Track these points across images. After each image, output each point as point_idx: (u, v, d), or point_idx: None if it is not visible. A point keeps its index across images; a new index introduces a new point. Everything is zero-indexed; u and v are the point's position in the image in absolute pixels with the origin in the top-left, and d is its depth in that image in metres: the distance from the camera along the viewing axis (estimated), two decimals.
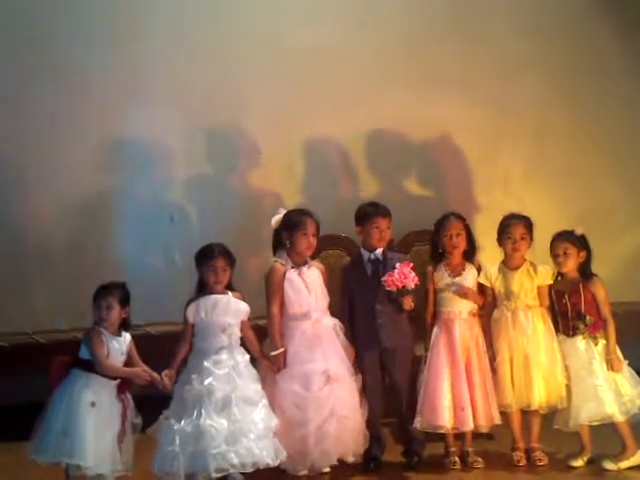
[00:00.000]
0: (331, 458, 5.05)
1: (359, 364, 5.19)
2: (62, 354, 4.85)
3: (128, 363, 4.86)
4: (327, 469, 5.08)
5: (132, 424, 4.83)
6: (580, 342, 5.02)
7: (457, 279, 5.20)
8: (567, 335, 5.07)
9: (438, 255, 5.28)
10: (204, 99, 6.22)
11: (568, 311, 5.06)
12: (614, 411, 4.89)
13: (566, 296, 5.06)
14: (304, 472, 5.04)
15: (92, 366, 4.74)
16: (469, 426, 5.02)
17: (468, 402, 5.02)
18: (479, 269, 5.25)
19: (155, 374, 4.89)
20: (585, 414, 4.92)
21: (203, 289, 5.07)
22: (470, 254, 5.26)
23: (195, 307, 5.02)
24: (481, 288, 5.23)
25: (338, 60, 6.28)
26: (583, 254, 5.08)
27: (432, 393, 5.07)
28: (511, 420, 5.13)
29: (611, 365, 4.97)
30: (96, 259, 6.08)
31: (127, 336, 4.88)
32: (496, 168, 6.40)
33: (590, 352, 5.00)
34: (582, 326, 5.01)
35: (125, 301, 4.84)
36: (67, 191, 6.19)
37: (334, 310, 5.26)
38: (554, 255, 5.08)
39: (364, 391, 5.16)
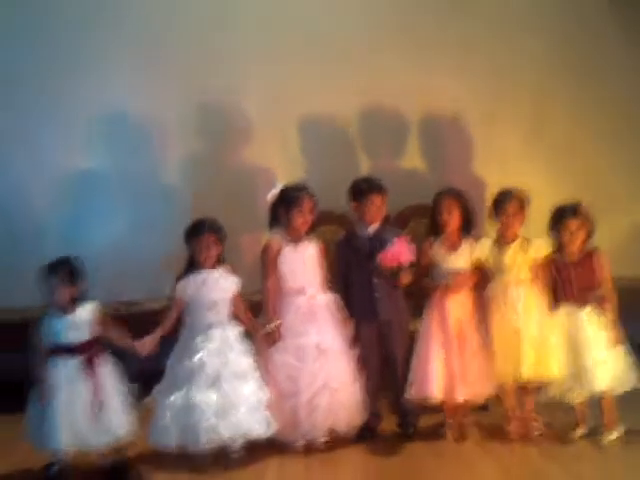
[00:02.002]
0: (322, 430, 5.09)
1: (356, 338, 5.22)
2: None
3: (101, 333, 4.86)
4: (324, 439, 5.11)
5: (127, 391, 4.87)
6: (585, 315, 5.05)
7: (453, 254, 5.23)
8: (572, 308, 5.09)
9: (436, 230, 5.30)
10: (198, 75, 6.20)
11: (573, 283, 5.09)
12: (612, 385, 4.94)
13: (573, 268, 5.09)
14: (301, 443, 5.08)
15: (55, 349, 4.78)
16: (460, 397, 5.06)
17: (460, 374, 5.05)
18: (475, 243, 5.27)
19: (129, 341, 4.90)
20: (589, 386, 4.95)
21: (192, 265, 5.09)
22: (466, 229, 5.28)
23: (185, 283, 5.05)
24: (476, 263, 5.25)
25: (332, 33, 6.25)
26: (589, 228, 5.11)
27: (423, 364, 5.10)
28: (505, 392, 5.17)
29: (611, 339, 5.01)
30: (90, 236, 6.07)
31: (87, 308, 4.85)
32: (494, 139, 6.36)
33: (594, 325, 5.03)
34: (590, 299, 5.04)
35: (77, 277, 4.83)
36: (60, 169, 6.18)
37: (330, 285, 5.28)
38: (567, 231, 5.08)
39: (360, 364, 5.19)
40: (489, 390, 5.11)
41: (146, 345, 4.93)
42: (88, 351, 4.81)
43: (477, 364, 5.09)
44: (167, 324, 5.05)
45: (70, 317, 4.80)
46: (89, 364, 4.78)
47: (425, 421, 5.29)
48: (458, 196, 5.26)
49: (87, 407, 4.71)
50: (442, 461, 4.80)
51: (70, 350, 4.79)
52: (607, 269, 5.11)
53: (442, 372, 5.07)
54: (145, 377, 4.93)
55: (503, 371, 5.08)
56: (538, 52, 6.34)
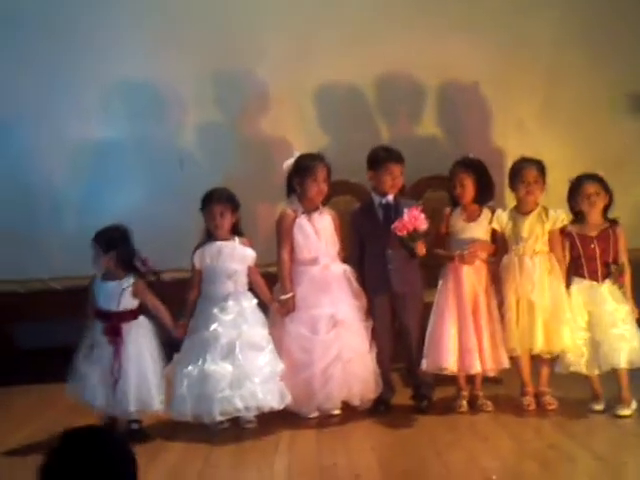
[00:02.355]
0: (336, 401, 5.10)
1: (369, 309, 5.20)
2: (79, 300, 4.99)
3: (137, 304, 4.96)
4: (337, 412, 5.13)
5: (154, 365, 4.92)
6: (605, 288, 5.01)
7: (472, 224, 5.18)
8: (594, 281, 5.04)
9: (454, 201, 5.26)
10: (214, 43, 6.14)
11: (597, 256, 5.04)
12: (630, 359, 4.90)
13: (595, 241, 5.04)
14: (314, 414, 5.10)
15: (96, 312, 4.92)
16: (475, 369, 5.05)
17: (474, 345, 5.02)
18: (494, 214, 5.22)
19: (170, 320, 4.98)
20: (607, 360, 4.91)
21: (209, 235, 5.09)
22: (482, 200, 5.22)
23: (201, 253, 5.07)
24: (493, 233, 5.21)
25: (348, 2, 6.20)
26: (607, 197, 5.05)
27: (438, 335, 5.08)
28: (520, 365, 5.14)
29: (629, 313, 4.96)
30: (107, 207, 6.04)
31: (130, 279, 4.93)
32: (510, 108, 6.29)
33: (615, 299, 4.99)
34: (614, 272, 4.99)
35: (111, 246, 4.90)
36: (77, 139, 6.16)
37: (345, 256, 5.26)
38: (585, 196, 5.02)
39: (373, 336, 5.18)
40: (503, 362, 5.09)
41: (181, 328, 4.99)
42: (115, 321, 4.87)
43: (492, 336, 5.06)
44: (191, 296, 5.09)
45: (110, 285, 4.90)
46: (114, 332, 4.85)
47: (439, 394, 5.28)
48: (472, 167, 5.19)
49: (108, 373, 4.80)
50: (456, 434, 4.78)
51: (103, 316, 4.89)
52: (625, 241, 5.06)
53: (456, 344, 5.05)
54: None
55: (516, 342, 5.05)
56: (554, 21, 6.25)
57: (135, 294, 4.93)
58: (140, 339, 4.93)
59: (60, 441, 2.16)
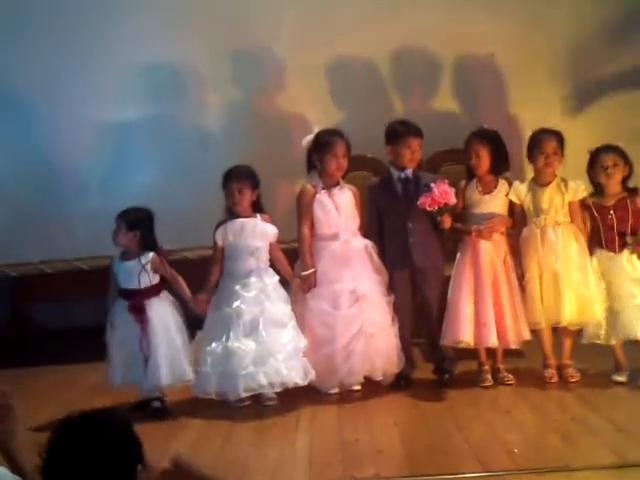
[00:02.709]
0: (358, 376, 5.09)
1: (389, 284, 5.18)
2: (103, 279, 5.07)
3: (162, 281, 5.01)
4: (357, 387, 5.12)
5: (181, 338, 4.98)
6: (625, 258, 4.96)
7: (487, 196, 5.15)
8: (612, 251, 5.00)
9: (470, 173, 5.22)
10: (230, 21, 6.09)
11: (614, 226, 4.98)
12: None
13: (612, 211, 4.99)
14: (335, 390, 5.09)
15: (119, 292, 4.98)
16: (492, 342, 5.02)
17: (492, 318, 4.99)
18: (510, 186, 5.18)
19: (189, 293, 5.01)
20: (625, 330, 4.88)
21: (231, 213, 5.08)
22: (497, 171, 5.17)
23: (223, 230, 5.07)
24: (511, 205, 5.16)
25: None
26: (627, 168, 4.99)
27: (455, 308, 5.06)
28: (542, 337, 5.11)
29: None
30: (130, 186, 6.05)
31: (148, 255, 4.96)
32: (526, 82, 6.18)
33: (633, 269, 4.95)
34: (631, 242, 4.94)
35: (135, 225, 4.95)
36: (98, 120, 6.13)
37: (364, 230, 5.24)
38: (602, 167, 4.97)
39: (394, 310, 5.16)
40: (524, 335, 5.05)
41: (201, 302, 5.01)
42: (138, 298, 4.91)
43: (511, 309, 5.03)
44: (214, 273, 5.10)
45: (129, 264, 4.94)
46: (137, 309, 4.89)
47: (460, 368, 5.26)
48: (487, 137, 5.15)
49: (135, 350, 4.85)
50: (477, 408, 4.76)
51: (126, 295, 4.94)
52: None
53: (473, 317, 5.02)
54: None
55: (540, 315, 5.02)
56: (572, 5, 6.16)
57: (155, 269, 4.97)
58: (165, 313, 4.98)
59: (57, 430, 2.14)
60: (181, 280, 5.03)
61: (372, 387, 5.12)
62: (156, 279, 5.00)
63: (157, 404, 4.96)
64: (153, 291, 5.00)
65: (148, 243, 4.98)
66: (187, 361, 4.97)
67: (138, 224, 4.95)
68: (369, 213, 5.28)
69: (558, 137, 5.07)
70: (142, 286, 4.95)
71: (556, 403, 4.79)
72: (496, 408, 4.75)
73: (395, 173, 5.20)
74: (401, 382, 5.16)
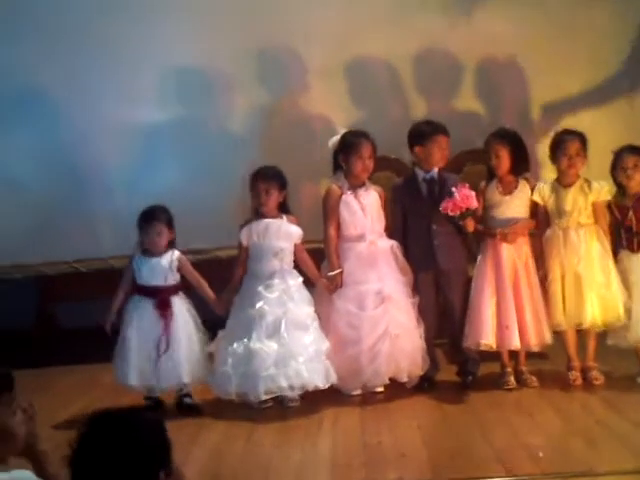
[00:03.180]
0: (383, 377, 5.07)
1: (413, 286, 5.17)
2: None
3: (184, 281, 5.04)
4: (380, 389, 5.10)
5: (200, 337, 5.02)
6: None
7: (508, 197, 5.12)
8: (631, 251, 4.97)
9: (490, 174, 5.20)
10: (258, 25, 6.09)
11: (633, 226, 4.96)
12: None
13: (630, 211, 4.95)
14: (357, 392, 5.09)
15: (136, 288, 5.00)
16: (514, 345, 4.99)
17: (514, 320, 4.96)
18: (534, 188, 5.14)
19: (212, 294, 5.02)
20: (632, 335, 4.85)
21: (257, 213, 5.10)
22: (517, 171, 5.13)
23: (248, 231, 5.08)
24: (534, 206, 5.13)
25: None
26: None
27: (476, 311, 5.04)
28: (565, 339, 5.08)
29: None
30: (156, 186, 6.06)
31: (174, 254, 5.00)
32: (547, 82, 6.15)
33: None
34: None
35: (171, 224, 5.01)
36: (125, 120, 6.14)
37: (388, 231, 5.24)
38: (622, 168, 4.95)
39: (419, 312, 5.14)
40: (546, 338, 5.02)
41: (222, 302, 5.03)
42: (164, 295, 4.95)
43: (534, 311, 5.00)
44: (238, 273, 5.12)
45: (154, 261, 4.96)
46: (163, 306, 4.91)
47: (484, 370, 5.23)
48: (507, 137, 5.12)
49: (155, 347, 4.86)
50: (501, 410, 4.74)
51: (149, 291, 4.96)
52: None
53: (495, 319, 4.99)
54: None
55: (564, 317, 4.98)
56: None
57: (179, 269, 5.00)
58: (185, 312, 5.01)
59: (88, 424, 2.13)
60: (204, 282, 5.06)
61: (395, 389, 5.11)
62: (178, 278, 5.03)
63: (188, 400, 5.01)
64: (175, 290, 5.03)
65: (174, 241, 5.03)
66: (206, 362, 4.99)
67: (172, 222, 5.01)
68: (393, 213, 5.26)
69: (581, 138, 5.05)
70: (168, 283, 4.99)
71: (580, 406, 4.75)
72: (520, 411, 4.73)
73: (420, 174, 5.18)
74: (425, 384, 5.15)
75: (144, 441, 2.10)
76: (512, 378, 5.07)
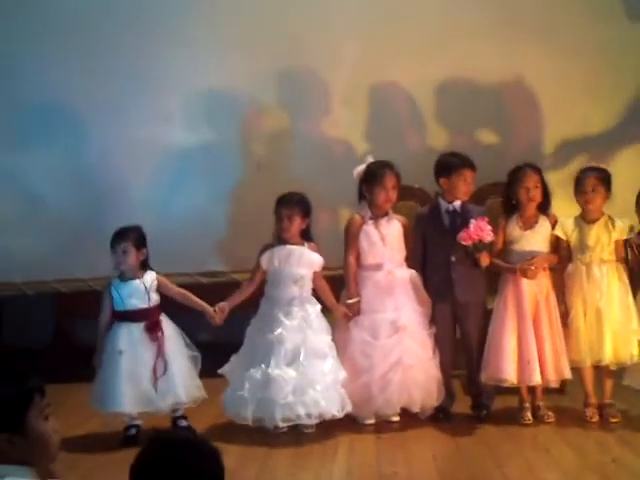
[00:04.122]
0: (395, 407, 5.06)
1: (431, 316, 5.16)
2: None
3: (165, 299, 5.01)
4: (396, 418, 5.09)
5: (191, 357, 5.00)
6: None
7: (528, 232, 5.10)
8: None
9: (511, 207, 5.17)
10: (280, 51, 6.13)
11: None
12: None
13: None
14: (371, 420, 5.07)
15: (120, 315, 4.92)
16: (535, 380, 4.96)
17: (535, 356, 4.94)
18: (554, 222, 5.13)
19: (207, 306, 5.01)
20: None
21: (279, 238, 5.10)
22: (544, 206, 5.15)
23: (270, 255, 5.08)
24: (556, 241, 5.12)
25: (412, 7, 6.11)
26: None
27: (497, 346, 5.02)
28: (583, 375, 5.06)
29: None
30: (174, 208, 6.11)
31: (152, 274, 4.98)
32: (571, 120, 6.16)
33: None
34: None
35: (141, 244, 4.95)
36: (147, 141, 6.18)
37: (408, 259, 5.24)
38: None
39: (435, 342, 5.14)
40: (565, 373, 5.00)
41: (220, 312, 4.99)
42: (151, 317, 4.91)
43: (553, 346, 4.98)
44: (245, 293, 5.13)
45: (134, 283, 4.93)
46: (153, 329, 4.88)
47: (500, 403, 5.22)
48: (539, 171, 5.14)
49: (150, 371, 4.82)
50: (516, 445, 4.73)
51: (134, 315, 4.91)
52: None
53: (516, 354, 4.97)
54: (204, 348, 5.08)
55: (582, 353, 4.97)
56: (618, 24, 6.10)
57: (159, 288, 4.97)
58: (172, 331, 4.99)
59: (152, 444, 2.13)
60: (189, 293, 5.05)
61: (410, 419, 5.10)
62: (158, 298, 5.00)
63: (183, 423, 4.98)
64: (159, 310, 5.00)
65: (147, 261, 4.99)
66: (198, 380, 4.98)
67: (144, 242, 4.96)
68: (414, 241, 5.26)
69: (600, 174, 5.05)
70: (152, 304, 4.95)
71: (596, 443, 4.72)
72: (535, 445, 4.72)
73: (443, 204, 5.19)
74: (440, 415, 5.13)
75: (203, 470, 2.09)
76: (529, 413, 5.04)
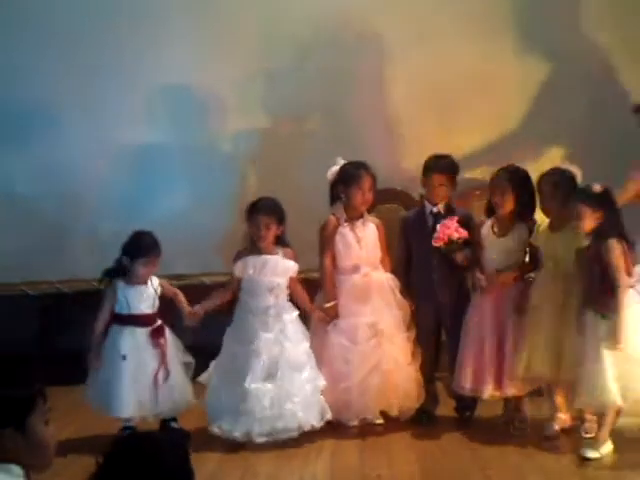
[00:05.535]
0: (374, 411, 5.05)
1: (413, 319, 5.14)
2: None
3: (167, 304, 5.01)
4: (380, 421, 5.08)
5: (185, 364, 5.00)
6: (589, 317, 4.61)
7: (501, 239, 4.97)
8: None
9: (491, 211, 5.04)
10: (257, 48, 6.12)
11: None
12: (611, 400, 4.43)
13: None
14: (354, 422, 5.05)
15: (124, 319, 4.89)
16: (487, 393, 4.88)
17: (490, 368, 4.86)
18: (532, 229, 4.92)
19: (187, 305, 5.01)
20: (580, 399, 4.57)
21: (253, 244, 5.03)
22: (521, 214, 4.96)
23: (244, 263, 5.00)
24: (532, 249, 4.96)
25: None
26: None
27: (460, 355, 4.96)
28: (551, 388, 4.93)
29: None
30: (149, 209, 6.06)
31: (156, 279, 4.98)
32: (553, 122, 6.09)
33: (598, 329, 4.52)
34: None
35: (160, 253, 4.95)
36: (122, 142, 6.16)
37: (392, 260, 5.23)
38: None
39: (417, 346, 5.12)
40: (528, 385, 4.91)
41: (195, 314, 4.97)
42: (155, 322, 4.91)
43: (517, 356, 4.80)
44: (219, 300, 5.07)
45: (142, 288, 4.92)
46: (157, 335, 4.87)
47: (484, 406, 5.14)
48: (515, 177, 4.93)
49: (152, 377, 4.82)
50: (500, 448, 4.69)
51: (139, 320, 4.90)
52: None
53: (473, 365, 4.90)
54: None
55: (544, 366, 4.75)
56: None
57: (162, 291, 4.98)
58: (170, 337, 4.98)
59: (114, 445, 2.13)
60: (179, 292, 5.05)
61: (394, 422, 5.08)
62: (158, 303, 5.00)
63: (175, 424, 4.99)
64: (159, 315, 5.00)
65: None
66: (190, 385, 4.99)
67: (160, 250, 4.95)
68: (399, 243, 5.25)
69: (555, 178, 4.83)
70: (155, 310, 4.96)
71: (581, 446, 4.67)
72: (520, 449, 4.67)
73: (428, 207, 5.17)
74: (423, 417, 5.12)
75: (167, 465, 2.09)
76: (514, 416, 4.96)
